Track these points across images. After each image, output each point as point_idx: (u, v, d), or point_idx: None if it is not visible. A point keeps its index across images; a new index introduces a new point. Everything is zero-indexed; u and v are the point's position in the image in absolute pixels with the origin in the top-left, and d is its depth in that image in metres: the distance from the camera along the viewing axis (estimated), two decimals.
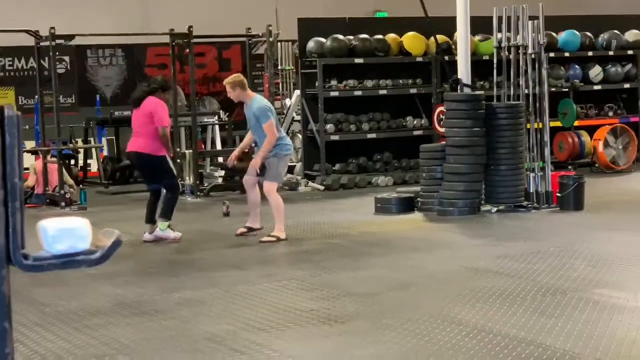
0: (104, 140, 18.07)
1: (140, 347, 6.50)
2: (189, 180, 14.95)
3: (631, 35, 17.77)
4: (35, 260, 1.31)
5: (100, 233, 1.38)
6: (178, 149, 15.45)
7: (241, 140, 17.71)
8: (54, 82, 14.37)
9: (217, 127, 17.05)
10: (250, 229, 10.64)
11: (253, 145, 10.88)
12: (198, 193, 14.75)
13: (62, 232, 1.29)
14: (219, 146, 16.87)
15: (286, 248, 10.12)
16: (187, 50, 15.39)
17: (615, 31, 17.63)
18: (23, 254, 1.29)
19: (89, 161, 17.60)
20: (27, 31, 14.71)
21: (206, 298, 7.89)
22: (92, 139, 17.29)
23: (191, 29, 15.04)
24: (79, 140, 17.32)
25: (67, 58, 18.65)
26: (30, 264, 1.31)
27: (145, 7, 19.91)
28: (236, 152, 11.06)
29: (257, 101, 10.56)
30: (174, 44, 15.41)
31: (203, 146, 16.68)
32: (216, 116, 17.17)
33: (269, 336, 6.56)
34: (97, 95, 18.69)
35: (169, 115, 11.53)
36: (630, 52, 17.70)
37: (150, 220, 10.76)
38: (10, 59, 18.87)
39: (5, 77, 18.86)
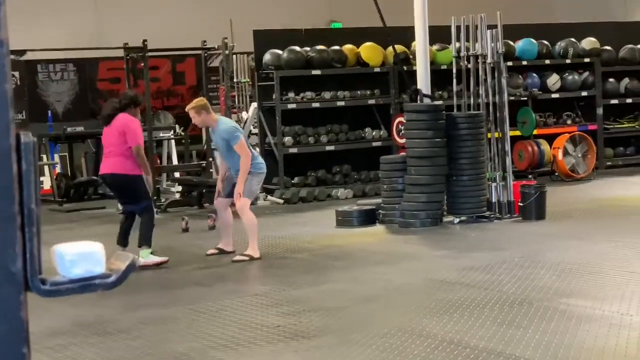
0: (56, 156, 17.95)
1: None
2: None
3: (587, 43, 17.99)
4: (52, 285, 1.34)
5: (113, 257, 1.41)
6: None
7: (198, 154, 17.84)
8: None
9: (172, 141, 17.03)
10: (221, 251, 10.44)
11: (227, 173, 10.50)
12: (155, 209, 14.67)
13: (79, 256, 1.33)
14: (175, 161, 16.83)
15: (249, 263, 10.07)
16: (142, 64, 15.37)
17: (572, 39, 17.85)
18: (40, 279, 1.32)
19: (41, 179, 17.46)
20: None
21: (170, 316, 7.88)
22: (44, 156, 17.17)
23: (146, 43, 15.04)
24: None
25: (16, 73, 18.49)
26: (47, 289, 1.34)
27: (97, 21, 19.83)
28: (219, 186, 10.51)
29: (223, 123, 10.36)
30: (128, 57, 15.39)
31: (159, 161, 16.63)
32: (172, 131, 17.17)
33: (236, 353, 6.58)
34: (49, 111, 18.57)
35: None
36: (586, 59, 17.92)
37: (123, 243, 10.24)
38: None
39: None
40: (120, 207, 15.00)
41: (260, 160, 10.57)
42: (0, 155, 1.27)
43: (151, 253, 10.08)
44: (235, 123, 10.89)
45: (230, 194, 10.30)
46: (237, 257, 10.10)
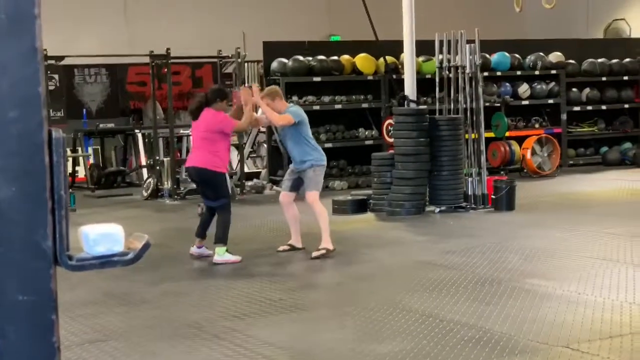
0: (90, 149, 17.92)
1: (129, 333, 6.49)
2: (167, 184, 14.91)
3: (554, 56, 17.99)
4: (78, 261, 1.35)
5: (131, 237, 1.43)
6: (157, 157, 15.40)
7: None
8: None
9: (191, 137, 16.99)
10: (292, 247, 9.51)
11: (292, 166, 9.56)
12: (175, 196, 14.71)
13: (101, 236, 1.34)
14: None
15: (256, 244, 10.07)
16: (165, 69, 15.37)
17: (540, 53, 17.83)
18: (68, 256, 1.33)
19: (77, 168, 17.46)
20: None
21: (186, 289, 7.89)
22: (79, 149, 17.18)
23: (169, 51, 15.04)
24: (68, 150, 17.20)
25: (56, 76, 18.48)
26: (74, 264, 1.35)
27: (127, 31, 19.83)
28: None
29: (291, 108, 9.41)
30: (153, 64, 15.39)
31: (179, 155, 16.63)
32: (190, 128, 17.13)
33: (243, 323, 6.58)
34: (84, 109, 18.57)
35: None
36: (553, 71, 17.90)
37: (200, 234, 9.36)
38: None
39: None
40: (144, 193, 15.10)
41: (322, 153, 9.54)
42: (34, 148, 1.28)
43: (227, 251, 9.13)
44: (301, 109, 9.60)
45: (292, 188, 9.47)
46: (315, 254, 9.08)
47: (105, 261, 1.37)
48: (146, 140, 17.07)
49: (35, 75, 1.29)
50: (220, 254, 9.03)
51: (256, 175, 16.33)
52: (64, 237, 1.34)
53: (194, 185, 15.33)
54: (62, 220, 1.32)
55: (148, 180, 15.38)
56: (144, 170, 16.57)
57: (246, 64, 17.30)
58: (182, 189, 15.12)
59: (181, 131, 16.86)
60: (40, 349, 1.31)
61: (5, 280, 1.28)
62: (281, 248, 9.54)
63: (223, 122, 9.11)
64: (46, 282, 1.33)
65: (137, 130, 17.39)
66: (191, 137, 9.48)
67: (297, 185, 9.44)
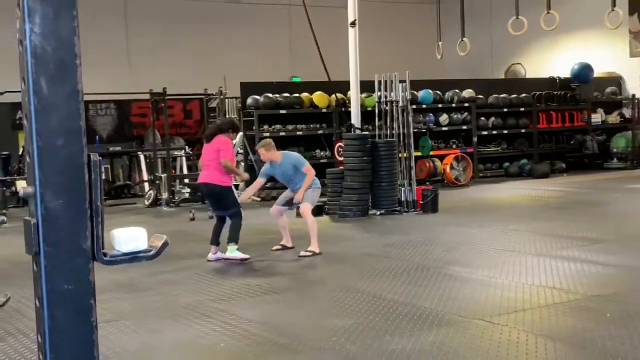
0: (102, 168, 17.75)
1: (136, 314, 6.42)
2: (164, 195, 14.78)
3: (467, 93, 18.20)
4: (111, 257, 1.35)
5: (152, 237, 1.43)
6: (156, 174, 15.28)
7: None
8: None
9: (184, 158, 16.94)
10: (284, 247, 9.27)
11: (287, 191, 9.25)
12: (171, 204, 14.60)
13: (129, 237, 1.34)
14: (185, 171, 16.74)
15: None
16: (162, 104, 15.27)
17: (456, 90, 18.03)
18: (103, 253, 1.33)
19: None
20: None
21: (182, 278, 7.82)
22: None
23: (165, 90, 14.96)
24: None
25: None
26: (108, 259, 1.35)
27: (131, 73, 19.66)
28: (245, 196, 9.32)
29: (289, 155, 9.19)
30: (152, 100, 15.29)
31: (174, 171, 16.51)
32: (183, 150, 17.07)
33: (228, 304, 6.55)
34: (97, 137, 18.38)
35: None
36: (466, 104, 18.10)
37: (215, 242, 8.87)
38: None
39: None
40: (146, 202, 14.96)
41: (317, 180, 9.28)
42: (77, 168, 1.28)
43: (237, 249, 8.73)
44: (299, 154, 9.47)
45: (284, 204, 9.30)
46: (302, 253, 8.83)
47: (132, 257, 1.37)
48: (147, 160, 16.94)
49: (78, 112, 1.29)
50: (231, 251, 8.66)
51: (235, 187, 16.26)
52: (100, 238, 1.34)
53: (186, 195, 15.31)
54: (98, 225, 1.32)
55: (149, 192, 15.25)
56: (146, 184, 16.43)
57: (227, 100, 17.27)
58: (176, 198, 15.02)
59: (175, 153, 16.75)
60: (82, 327, 1.30)
61: (54, 273, 1.28)
62: (274, 248, 9.27)
63: (225, 151, 8.74)
64: (86, 274, 1.32)
65: (139, 152, 17.25)
66: (202, 157, 9.06)
67: (289, 203, 9.30)
